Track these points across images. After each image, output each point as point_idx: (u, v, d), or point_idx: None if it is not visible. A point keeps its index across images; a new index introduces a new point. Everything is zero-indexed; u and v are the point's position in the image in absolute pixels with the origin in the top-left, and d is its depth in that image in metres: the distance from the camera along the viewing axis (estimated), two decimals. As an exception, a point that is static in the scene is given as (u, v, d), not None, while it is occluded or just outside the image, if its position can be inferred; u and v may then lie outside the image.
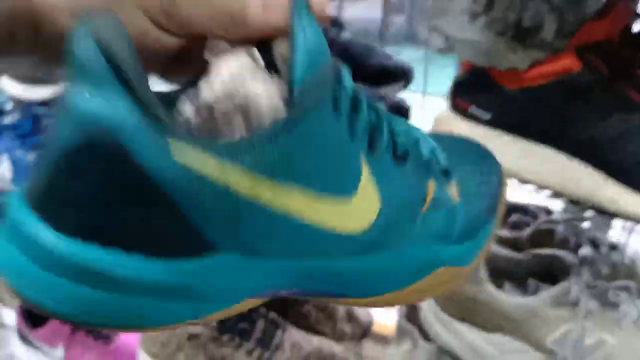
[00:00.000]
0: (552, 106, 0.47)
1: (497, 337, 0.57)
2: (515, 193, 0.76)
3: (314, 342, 0.81)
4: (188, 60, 0.27)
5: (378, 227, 0.27)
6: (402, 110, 0.57)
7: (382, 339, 1.08)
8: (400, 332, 0.76)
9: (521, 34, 0.47)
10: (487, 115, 0.51)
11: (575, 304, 0.55)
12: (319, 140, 0.24)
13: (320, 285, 0.28)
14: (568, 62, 0.45)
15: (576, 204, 0.49)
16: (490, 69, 0.50)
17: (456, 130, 0.53)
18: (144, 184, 0.21)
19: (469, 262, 0.33)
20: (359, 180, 0.26)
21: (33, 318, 1.00)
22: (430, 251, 0.30)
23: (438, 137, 0.36)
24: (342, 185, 0.25)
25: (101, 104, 0.19)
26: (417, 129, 0.32)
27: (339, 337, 0.89)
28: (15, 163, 0.82)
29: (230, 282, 0.25)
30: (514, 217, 0.69)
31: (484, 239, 0.34)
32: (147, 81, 0.21)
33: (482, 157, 0.37)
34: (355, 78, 0.69)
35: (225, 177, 0.22)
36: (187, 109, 0.24)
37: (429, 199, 0.30)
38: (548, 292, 0.55)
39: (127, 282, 0.22)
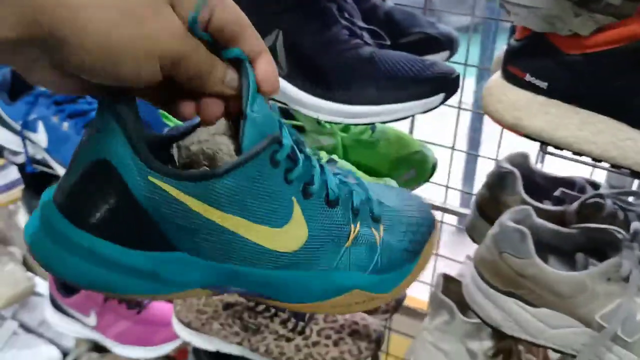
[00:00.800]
0: (616, 73, 0.45)
1: (544, 312, 0.57)
2: (557, 166, 0.74)
3: (347, 314, 0.81)
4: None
5: (304, 252, 0.37)
6: (451, 79, 0.55)
7: (415, 313, 1.08)
8: (436, 306, 0.75)
9: (586, -2, 0.45)
10: (543, 84, 0.49)
11: (626, 279, 0.53)
12: (256, 185, 0.34)
13: (255, 287, 0.38)
14: (636, 28, 0.43)
15: (637, 175, 0.47)
16: (549, 34, 0.48)
17: (508, 101, 0.51)
18: (129, 198, 0.32)
19: (387, 291, 0.42)
20: (290, 216, 0.36)
21: (66, 286, 1.02)
22: (348, 277, 0.40)
23: (384, 189, 0.46)
24: (275, 219, 0.35)
25: (109, 145, 0.32)
26: (358, 185, 0.42)
27: (371, 310, 0.88)
28: (50, 131, 0.82)
29: (182, 274, 0.36)
30: (559, 192, 0.67)
31: (402, 276, 0.43)
32: (142, 134, 0.32)
33: (420, 210, 0.45)
34: (399, 45, 0.68)
35: (184, 200, 0.33)
36: (174, 149, 0.37)
37: (352, 236, 0.39)
38: (599, 267, 0.54)
39: (116, 263, 0.34)
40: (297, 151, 0.36)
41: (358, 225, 0.40)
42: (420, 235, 0.44)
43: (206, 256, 0.35)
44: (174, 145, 0.37)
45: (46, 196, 0.35)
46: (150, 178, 0.32)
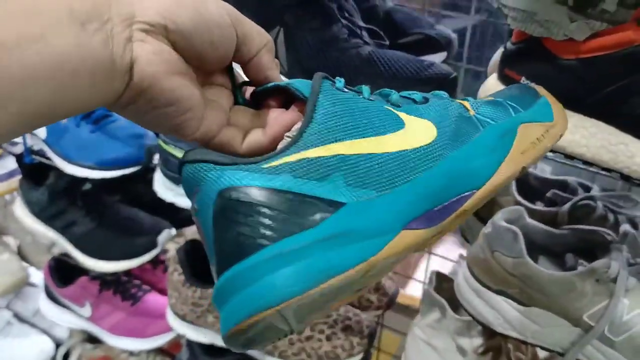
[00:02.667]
0: (609, 79, 0.46)
1: (534, 311, 0.58)
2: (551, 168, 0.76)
3: (341, 309, 0.82)
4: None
5: (445, 135, 0.36)
6: (448, 80, 0.56)
7: (407, 310, 1.09)
8: (428, 303, 0.76)
9: (581, 3, 0.46)
10: (538, 87, 0.50)
11: (614, 280, 0.55)
12: (340, 107, 0.33)
13: (445, 193, 0.35)
14: (630, 34, 0.44)
15: (627, 179, 0.48)
16: (544, 38, 0.49)
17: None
18: (256, 200, 0.30)
19: (549, 118, 0.40)
20: (398, 118, 0.35)
21: (61, 276, 1.02)
22: (503, 122, 0.38)
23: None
24: (386, 126, 0.34)
25: (211, 176, 0.31)
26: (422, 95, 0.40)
27: (364, 306, 0.90)
28: (49, 122, 0.82)
29: (372, 218, 0.32)
30: (551, 193, 0.68)
31: (546, 105, 0.41)
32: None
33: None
34: (398, 45, 0.69)
35: (305, 156, 0.32)
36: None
37: (468, 106, 0.39)
38: (587, 268, 0.55)
39: (314, 245, 0.30)
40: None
41: (460, 102, 0.39)
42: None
43: (373, 190, 0.33)
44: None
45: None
46: (263, 165, 0.31)
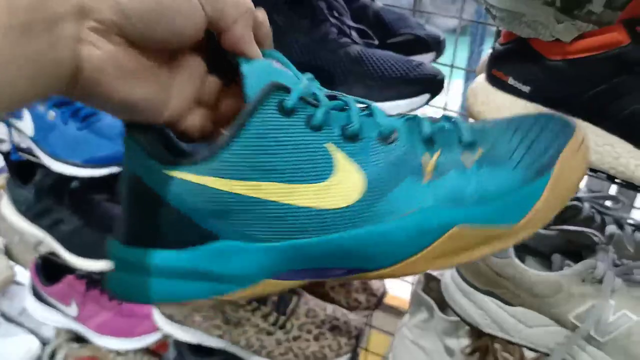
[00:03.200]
0: (596, 79, 0.46)
1: (521, 311, 0.58)
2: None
3: (328, 309, 0.82)
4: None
5: (368, 201, 0.31)
6: (436, 81, 0.56)
7: (395, 311, 1.09)
8: (416, 303, 0.76)
9: (568, 5, 0.46)
10: (525, 88, 0.50)
11: (600, 281, 0.55)
12: (270, 142, 0.30)
13: (328, 261, 0.32)
14: (616, 35, 0.44)
15: (613, 180, 0.48)
16: (532, 39, 0.49)
17: (491, 103, 0.53)
18: (156, 200, 0.31)
19: (512, 221, 0.32)
20: (331, 165, 0.31)
21: (47, 275, 1.01)
22: (437, 214, 0.32)
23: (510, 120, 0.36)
24: (312, 173, 0.30)
25: (129, 158, 0.32)
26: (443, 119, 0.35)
27: (352, 306, 0.89)
28: (36, 119, 0.82)
29: (235, 264, 0.32)
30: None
31: (530, 198, 0.32)
32: (154, 138, 0.31)
33: (542, 117, 0.35)
34: (387, 45, 0.69)
35: (204, 182, 0.30)
36: None
37: (429, 169, 0.32)
38: (574, 268, 0.55)
39: (170, 268, 0.32)
40: (318, 93, 0.32)
41: (437, 154, 0.32)
42: (546, 142, 0.33)
43: (253, 238, 0.32)
44: None
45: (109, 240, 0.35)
46: (165, 172, 0.30)
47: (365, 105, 0.34)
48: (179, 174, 0.30)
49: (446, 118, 0.35)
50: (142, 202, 0.32)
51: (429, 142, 0.33)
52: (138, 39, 0.27)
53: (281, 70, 0.32)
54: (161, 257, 0.32)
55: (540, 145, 0.33)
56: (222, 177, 0.30)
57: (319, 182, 0.31)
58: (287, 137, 0.30)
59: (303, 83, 0.31)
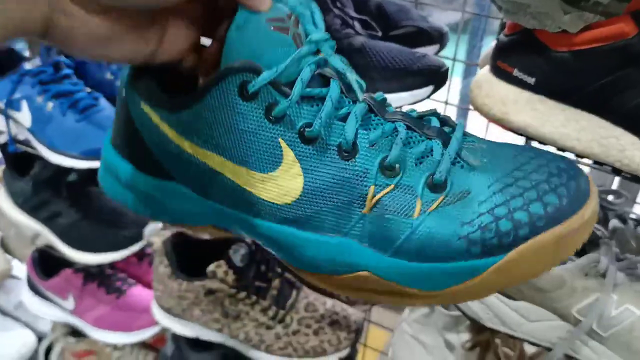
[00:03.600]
0: (602, 71, 0.46)
1: (523, 305, 0.57)
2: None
3: (328, 304, 0.82)
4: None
5: (299, 208, 0.31)
6: (440, 72, 0.56)
7: (395, 306, 1.09)
8: (416, 298, 0.76)
9: (575, -4, 0.45)
10: (531, 80, 0.50)
11: (603, 275, 0.55)
12: (225, 119, 0.29)
13: (257, 237, 0.34)
14: (623, 27, 0.44)
15: (618, 173, 0.48)
16: (537, 30, 0.49)
17: (496, 95, 0.52)
18: (131, 124, 0.34)
19: (427, 288, 0.30)
20: (280, 161, 0.30)
21: (44, 268, 1.00)
22: (358, 252, 0.31)
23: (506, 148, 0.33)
24: (258, 162, 0.30)
25: (125, 82, 0.33)
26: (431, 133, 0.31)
27: (352, 300, 0.89)
28: (34, 110, 0.81)
29: (181, 204, 0.35)
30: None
31: (464, 274, 0.29)
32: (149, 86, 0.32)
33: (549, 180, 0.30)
34: (390, 37, 0.68)
35: (163, 128, 0.32)
36: None
37: (371, 202, 0.30)
38: (577, 263, 0.55)
39: (131, 183, 0.36)
40: (302, 85, 0.29)
41: (389, 188, 0.30)
42: (528, 216, 0.28)
43: (196, 190, 0.33)
44: None
45: (105, 140, 0.38)
46: (141, 104, 0.32)
47: (368, 102, 0.32)
48: (149, 112, 0.32)
49: (446, 134, 0.32)
50: (123, 120, 0.35)
51: (388, 170, 0.30)
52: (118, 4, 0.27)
53: (275, 37, 0.29)
54: (131, 173, 0.35)
55: (519, 217, 0.29)
56: (177, 132, 0.31)
57: (264, 172, 0.30)
58: (240, 121, 0.30)
59: (291, 62, 0.29)
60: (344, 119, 0.30)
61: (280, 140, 0.30)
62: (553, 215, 0.29)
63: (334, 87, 0.30)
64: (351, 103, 0.31)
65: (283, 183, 0.30)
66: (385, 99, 0.33)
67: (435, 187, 0.30)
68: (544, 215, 0.29)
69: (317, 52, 0.31)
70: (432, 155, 0.30)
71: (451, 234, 0.29)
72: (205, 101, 0.29)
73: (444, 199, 0.29)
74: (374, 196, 0.30)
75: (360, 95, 0.31)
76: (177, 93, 0.32)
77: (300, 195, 0.31)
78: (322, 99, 0.30)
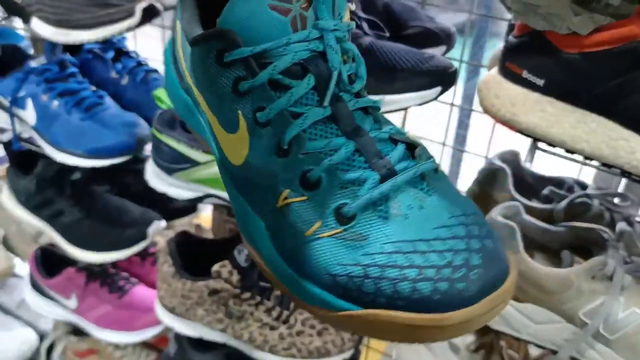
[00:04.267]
0: (612, 74, 0.46)
1: (529, 307, 0.57)
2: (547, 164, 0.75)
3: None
4: None
5: (243, 173, 0.33)
6: (448, 73, 0.56)
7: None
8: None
9: (586, -3, 0.45)
10: (540, 81, 0.50)
11: (610, 277, 0.54)
12: (204, 74, 0.33)
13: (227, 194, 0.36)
14: (634, 29, 0.44)
15: (628, 176, 0.48)
16: (547, 32, 0.49)
17: (505, 96, 0.52)
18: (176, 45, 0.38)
19: (290, 288, 0.32)
20: (237, 127, 0.32)
21: (47, 267, 1.00)
22: (265, 238, 0.33)
23: (453, 195, 0.32)
24: (224, 119, 0.33)
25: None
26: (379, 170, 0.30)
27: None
28: (39, 109, 0.81)
29: (204, 129, 0.38)
30: (548, 190, 0.68)
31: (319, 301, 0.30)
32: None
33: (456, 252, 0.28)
34: (397, 38, 0.68)
35: (184, 63, 0.37)
36: None
37: (282, 202, 0.31)
38: (584, 265, 0.55)
39: (176, 89, 0.40)
40: (273, 70, 0.30)
41: (302, 198, 0.30)
42: (390, 290, 0.28)
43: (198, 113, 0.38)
44: None
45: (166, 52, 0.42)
46: (181, 32, 0.36)
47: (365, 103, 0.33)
48: (181, 40, 0.37)
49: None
50: (174, 41, 0.39)
51: (308, 184, 0.30)
52: None
53: (269, 16, 0.29)
54: (178, 84, 0.39)
55: (384, 287, 0.28)
56: (186, 66, 0.36)
57: (227, 131, 0.33)
58: (214, 81, 0.32)
59: (276, 44, 0.29)
60: (297, 116, 0.30)
61: (238, 112, 0.32)
62: (416, 300, 0.27)
63: (302, 85, 0.30)
64: (315, 105, 0.31)
65: (237, 146, 0.33)
66: (375, 108, 0.33)
67: (341, 218, 0.29)
68: (406, 297, 0.27)
69: (321, 38, 0.31)
70: (361, 186, 0.30)
71: (323, 266, 0.29)
72: (195, 50, 0.33)
73: (341, 232, 0.29)
74: (286, 198, 0.31)
75: (327, 101, 0.31)
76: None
77: (242, 163, 0.33)
78: (289, 89, 0.30)
